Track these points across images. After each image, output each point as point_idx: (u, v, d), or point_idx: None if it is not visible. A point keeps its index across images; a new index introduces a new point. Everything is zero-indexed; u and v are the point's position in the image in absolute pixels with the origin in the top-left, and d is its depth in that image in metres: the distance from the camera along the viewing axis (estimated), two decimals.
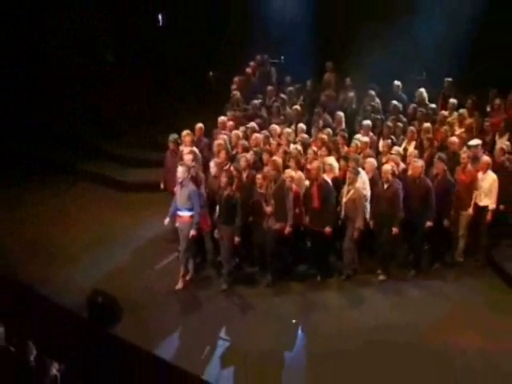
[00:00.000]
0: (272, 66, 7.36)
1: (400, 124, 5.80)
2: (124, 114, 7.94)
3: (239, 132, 5.55)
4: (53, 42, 7.97)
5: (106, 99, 7.96)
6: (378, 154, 5.34)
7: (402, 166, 5.08)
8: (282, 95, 6.57)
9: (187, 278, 4.83)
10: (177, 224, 4.77)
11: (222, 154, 5.05)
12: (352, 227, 4.77)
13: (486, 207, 4.93)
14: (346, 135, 5.52)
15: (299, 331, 4.39)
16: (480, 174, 4.97)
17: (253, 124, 5.77)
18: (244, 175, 4.91)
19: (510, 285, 4.82)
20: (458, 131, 5.69)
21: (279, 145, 5.35)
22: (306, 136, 5.53)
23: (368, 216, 4.85)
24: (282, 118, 6.13)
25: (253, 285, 4.87)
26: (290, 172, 4.80)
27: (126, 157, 7.33)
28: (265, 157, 5.07)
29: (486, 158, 4.99)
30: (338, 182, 4.90)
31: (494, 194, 4.88)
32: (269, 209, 4.70)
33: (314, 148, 5.23)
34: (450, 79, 6.53)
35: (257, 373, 3.85)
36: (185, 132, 5.48)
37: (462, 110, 5.92)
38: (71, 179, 7.08)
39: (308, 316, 4.51)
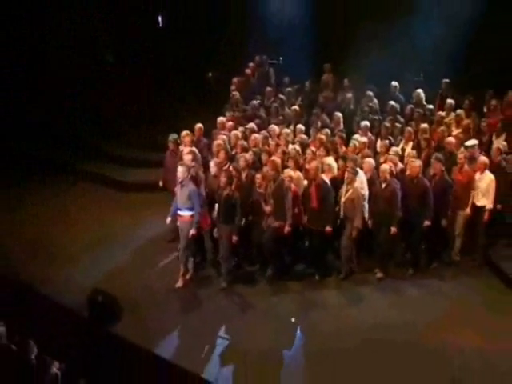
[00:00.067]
0: (270, 67, 7.38)
1: (398, 124, 5.84)
2: (124, 114, 7.94)
3: (238, 132, 5.58)
4: (53, 41, 7.97)
5: (105, 99, 7.97)
6: (375, 154, 5.36)
7: (400, 165, 5.11)
8: (281, 96, 6.61)
9: (187, 276, 4.86)
10: (178, 223, 4.81)
11: (222, 154, 5.08)
12: (351, 226, 4.80)
13: (484, 207, 4.96)
14: (344, 135, 5.56)
15: (298, 330, 4.41)
16: (478, 175, 5.00)
17: (252, 124, 5.80)
18: (243, 175, 4.94)
19: (507, 284, 4.84)
20: (455, 132, 5.71)
21: (278, 145, 5.38)
22: (304, 136, 5.56)
23: (366, 215, 4.88)
24: (280, 118, 6.15)
25: (252, 284, 4.89)
26: (288, 172, 4.83)
27: (126, 157, 7.33)
28: (264, 157, 5.10)
29: (483, 159, 5.02)
30: (337, 182, 4.92)
31: (492, 194, 4.91)
32: (268, 208, 4.74)
33: (313, 148, 5.26)
34: (447, 80, 6.56)
35: (256, 371, 3.88)
36: (184, 132, 5.51)
37: (459, 111, 5.95)
38: (71, 179, 7.08)
39: (307, 315, 4.53)
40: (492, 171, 4.97)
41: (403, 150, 5.48)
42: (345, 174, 4.87)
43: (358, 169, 4.90)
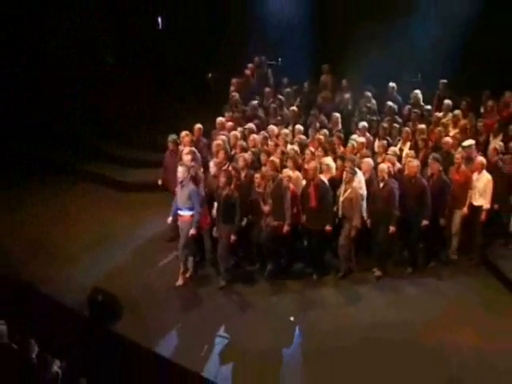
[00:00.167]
0: (269, 68, 7.41)
1: (396, 125, 5.87)
2: (124, 114, 7.95)
3: (237, 133, 5.60)
4: (53, 42, 7.97)
5: (105, 99, 7.98)
6: (373, 155, 5.39)
7: (398, 165, 5.14)
8: (280, 96, 6.64)
9: (187, 275, 4.88)
10: (178, 223, 4.83)
11: (221, 154, 5.11)
12: (349, 226, 4.83)
13: (481, 207, 4.99)
14: (342, 136, 5.59)
15: (297, 328, 4.43)
16: (475, 175, 5.03)
17: (251, 125, 5.82)
18: (242, 175, 4.97)
19: (504, 284, 4.86)
20: (453, 132, 5.74)
21: (277, 145, 5.41)
22: (303, 137, 5.59)
23: (365, 215, 4.91)
24: (278, 118, 6.18)
25: (251, 283, 4.91)
26: (287, 171, 4.86)
27: (126, 157, 7.35)
28: (263, 157, 5.12)
29: (480, 159, 5.05)
30: (335, 182, 4.95)
31: (489, 194, 4.94)
32: (266, 208, 4.76)
33: (312, 149, 5.29)
34: (444, 81, 6.58)
35: (255, 369, 3.90)
36: (184, 132, 5.53)
37: (456, 112, 5.97)
38: (71, 179, 7.10)
39: (305, 313, 4.55)
40: (489, 171, 5.00)
41: (401, 150, 5.51)
42: (343, 174, 4.90)
43: (357, 169, 4.93)
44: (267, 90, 6.83)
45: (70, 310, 4.05)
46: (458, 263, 5.19)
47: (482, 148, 5.49)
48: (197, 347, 4.15)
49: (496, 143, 5.48)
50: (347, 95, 6.62)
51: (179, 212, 4.78)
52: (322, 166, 4.95)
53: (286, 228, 4.72)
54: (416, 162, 4.93)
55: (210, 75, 8.09)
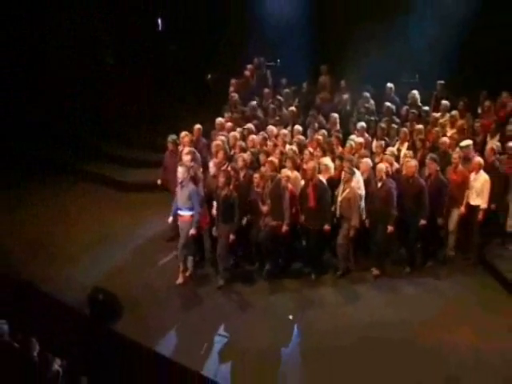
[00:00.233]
0: (268, 69, 7.44)
1: (394, 125, 5.90)
2: (124, 114, 7.97)
3: (236, 133, 5.63)
4: (53, 41, 7.99)
5: (105, 99, 8.00)
6: (371, 155, 5.41)
7: (396, 165, 5.17)
8: (279, 97, 6.67)
9: (187, 274, 4.91)
10: (178, 223, 4.86)
11: (220, 154, 5.14)
12: (347, 225, 4.85)
13: (478, 207, 5.02)
14: (341, 136, 5.62)
15: (295, 328, 4.46)
16: (472, 175, 5.05)
17: (250, 125, 5.86)
18: (241, 175, 4.99)
19: (501, 283, 4.89)
20: (450, 132, 5.77)
21: (275, 145, 5.43)
22: (301, 137, 5.62)
23: (363, 215, 4.93)
24: (277, 119, 6.21)
25: (250, 282, 4.93)
26: (286, 171, 4.89)
27: (126, 157, 7.37)
28: (262, 157, 5.15)
29: (477, 159, 5.08)
30: (334, 182, 4.98)
31: (486, 194, 4.97)
32: (265, 208, 4.79)
33: (310, 149, 5.32)
34: (442, 82, 6.62)
35: (254, 368, 3.92)
36: (183, 133, 5.56)
37: (453, 112, 6.01)
38: (71, 179, 7.12)
39: (304, 313, 4.57)
40: (486, 171, 5.02)
41: (399, 150, 5.54)
42: (341, 174, 4.93)
43: (355, 169, 4.96)
44: (266, 90, 6.85)
45: (71, 309, 4.07)
46: (456, 263, 5.21)
47: (479, 148, 5.51)
48: (196, 346, 4.17)
49: (493, 143, 5.50)
50: (345, 96, 6.65)
51: (179, 212, 4.81)
52: (320, 166, 4.97)
53: (284, 228, 4.75)
54: (414, 162, 4.96)
55: (209, 76, 8.10)
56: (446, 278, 5.04)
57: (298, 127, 5.87)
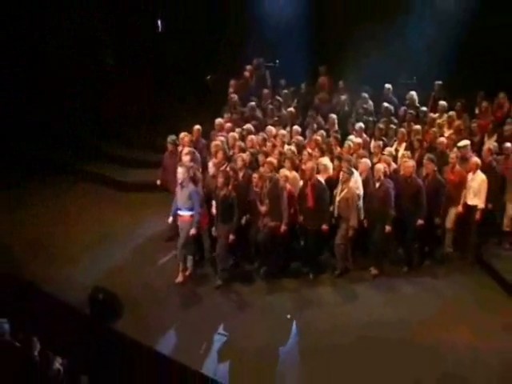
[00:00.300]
0: (267, 70, 7.47)
1: (392, 126, 5.94)
2: (124, 114, 7.97)
3: (236, 134, 5.65)
4: (53, 41, 7.99)
5: (105, 99, 8.01)
6: (370, 155, 5.44)
7: (394, 166, 5.20)
8: (278, 98, 6.70)
9: (186, 273, 4.94)
10: (178, 223, 4.88)
11: (220, 155, 5.17)
12: (345, 226, 4.88)
13: (475, 206, 5.05)
14: (339, 136, 5.65)
15: (293, 327, 4.48)
16: (470, 175, 5.09)
17: (249, 126, 5.88)
18: (240, 175, 5.02)
19: (498, 282, 4.92)
20: (447, 133, 5.81)
21: (274, 146, 5.46)
22: (300, 138, 5.65)
23: (362, 215, 4.96)
24: (276, 119, 6.23)
25: (249, 282, 4.96)
26: (284, 171, 4.91)
27: (126, 157, 7.38)
28: (261, 158, 5.18)
29: (475, 159, 5.11)
30: (332, 182, 5.01)
31: (483, 194, 5.00)
32: (263, 208, 4.81)
33: (309, 150, 5.35)
34: (439, 82, 6.65)
35: (253, 367, 3.94)
36: (182, 133, 5.59)
37: (451, 113, 6.04)
38: (71, 179, 7.12)
39: (302, 312, 4.59)
40: (483, 171, 5.06)
41: (396, 150, 5.58)
42: (340, 174, 4.95)
43: (353, 169, 4.99)
44: (265, 91, 6.88)
45: (72, 308, 4.10)
46: (453, 262, 5.25)
47: (477, 148, 5.55)
48: (196, 345, 4.19)
49: (490, 144, 5.54)
50: (344, 97, 6.69)
51: (179, 212, 4.84)
52: (319, 166, 5.00)
53: (283, 227, 4.77)
54: (412, 163, 4.99)
55: (209, 77, 8.13)
56: (444, 277, 5.07)
57: (296, 128, 5.90)
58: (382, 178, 4.87)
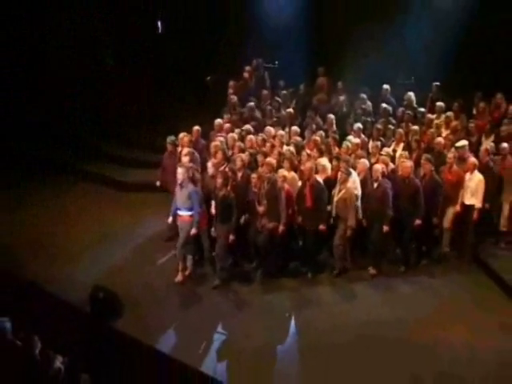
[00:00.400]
0: (266, 71, 7.49)
1: (391, 126, 5.97)
2: (124, 114, 7.98)
3: (235, 134, 5.67)
4: (53, 41, 8.00)
5: (105, 99, 8.02)
6: (368, 155, 5.47)
7: (391, 166, 5.23)
8: (277, 98, 6.72)
9: (186, 272, 4.96)
10: (178, 223, 4.91)
11: (219, 155, 5.19)
12: (343, 226, 4.91)
13: (473, 206, 5.09)
14: (337, 137, 5.68)
15: (292, 326, 4.50)
16: (467, 175, 5.12)
17: (248, 126, 5.91)
18: (239, 175, 5.04)
19: (495, 281, 4.95)
20: (445, 133, 5.84)
21: (273, 146, 5.49)
22: (298, 138, 5.68)
23: (360, 215, 4.99)
24: (275, 120, 6.25)
25: (248, 281, 4.98)
26: (283, 172, 4.93)
27: (126, 157, 7.40)
28: (260, 158, 5.20)
29: (472, 159, 5.15)
30: (330, 182, 5.03)
31: (480, 194, 5.04)
32: (261, 209, 4.82)
33: (308, 151, 5.37)
34: (437, 83, 6.68)
35: (252, 365, 3.97)
36: (182, 134, 5.61)
37: (448, 113, 6.08)
38: (71, 179, 7.14)
39: (301, 311, 4.61)
40: (480, 171, 5.09)
41: (394, 151, 5.61)
42: (338, 175, 4.98)
43: (351, 169, 5.01)
44: (265, 92, 6.90)
45: (72, 307, 4.13)
46: (450, 261, 5.28)
47: (474, 149, 5.57)
48: (196, 344, 4.22)
49: (487, 144, 5.58)
50: (342, 97, 6.73)
51: (178, 212, 4.86)
52: (317, 167, 5.03)
53: (281, 228, 4.79)
54: (410, 163, 5.02)
55: (208, 77, 8.16)
56: (441, 276, 5.10)
57: (295, 128, 5.92)
58: (380, 178, 4.90)
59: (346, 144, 5.46)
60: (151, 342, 4.04)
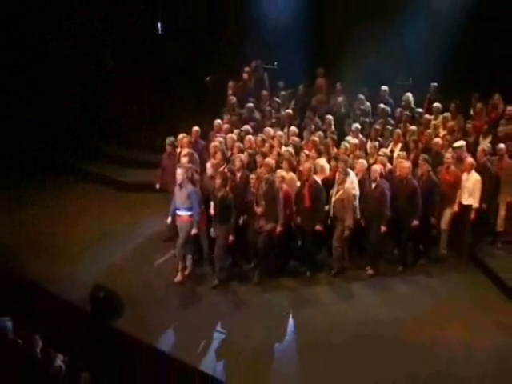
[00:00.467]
0: (265, 72, 7.50)
1: (389, 127, 6.00)
2: (124, 114, 7.99)
3: (234, 135, 5.69)
4: (53, 42, 8.01)
5: (106, 99, 8.03)
6: (366, 155, 5.50)
7: (389, 166, 5.26)
8: (277, 99, 6.75)
9: (185, 272, 4.99)
10: (177, 223, 4.93)
11: (218, 155, 5.21)
12: (341, 226, 4.93)
13: (470, 206, 5.12)
14: (336, 137, 5.71)
15: (290, 325, 4.53)
16: (465, 175, 5.15)
17: (247, 127, 5.93)
18: (238, 175, 5.05)
19: (492, 280, 4.98)
20: (443, 133, 5.86)
21: (272, 147, 5.51)
22: (297, 139, 5.70)
23: (358, 215, 5.01)
24: (274, 120, 6.28)
25: (247, 281, 4.99)
26: (281, 172, 4.94)
27: (126, 157, 7.41)
28: (258, 159, 5.22)
29: (469, 160, 5.18)
30: (329, 183, 5.05)
31: (478, 194, 5.07)
32: (259, 210, 4.83)
33: (306, 152, 5.39)
34: (435, 84, 6.71)
35: (251, 365, 3.99)
36: (181, 135, 5.63)
37: (446, 114, 6.10)
38: (71, 179, 7.15)
39: (299, 311, 4.64)
40: (477, 172, 5.12)
41: (392, 151, 5.64)
42: (336, 175, 5.01)
43: (349, 169, 5.04)
44: (264, 93, 6.92)
45: (73, 306, 4.15)
46: (448, 261, 5.30)
47: (472, 149, 5.60)
48: (195, 343, 4.24)
49: (485, 144, 5.61)
50: (341, 98, 6.75)
51: (178, 212, 4.88)
52: (316, 167, 5.05)
53: (278, 228, 4.81)
54: (407, 164, 5.04)
55: (208, 78, 8.17)
56: (438, 276, 5.12)
57: (293, 129, 5.95)
58: (378, 178, 4.92)
59: (344, 144, 5.48)
60: (151, 341, 4.06)
